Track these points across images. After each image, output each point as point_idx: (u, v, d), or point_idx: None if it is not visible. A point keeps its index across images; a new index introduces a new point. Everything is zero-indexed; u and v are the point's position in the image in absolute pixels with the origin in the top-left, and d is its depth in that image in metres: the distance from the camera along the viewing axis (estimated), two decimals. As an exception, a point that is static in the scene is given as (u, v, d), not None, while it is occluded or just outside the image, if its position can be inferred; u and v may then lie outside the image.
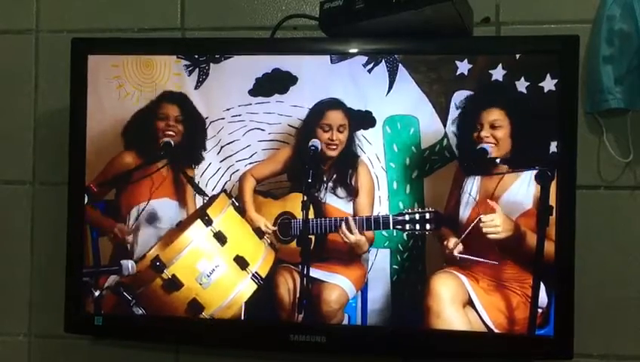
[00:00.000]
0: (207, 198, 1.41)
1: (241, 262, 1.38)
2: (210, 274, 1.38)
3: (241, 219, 1.40)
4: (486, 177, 1.32)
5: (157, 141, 1.41)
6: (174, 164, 1.42)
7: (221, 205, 1.40)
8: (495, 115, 1.31)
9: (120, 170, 1.42)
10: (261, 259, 1.39)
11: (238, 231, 1.40)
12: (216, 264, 1.38)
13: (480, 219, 1.30)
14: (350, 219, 1.35)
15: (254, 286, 1.38)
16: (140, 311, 1.39)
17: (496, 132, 1.30)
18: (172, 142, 1.40)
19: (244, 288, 1.38)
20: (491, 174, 1.32)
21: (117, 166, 1.42)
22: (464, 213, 1.33)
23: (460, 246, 1.31)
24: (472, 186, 1.33)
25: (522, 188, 1.30)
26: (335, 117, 1.36)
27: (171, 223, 1.42)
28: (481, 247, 1.31)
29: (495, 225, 1.29)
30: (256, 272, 1.38)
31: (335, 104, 1.36)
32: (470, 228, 1.30)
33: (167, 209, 1.42)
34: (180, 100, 1.41)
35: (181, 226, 1.41)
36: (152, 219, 1.42)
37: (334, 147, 1.37)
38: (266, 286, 1.38)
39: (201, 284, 1.38)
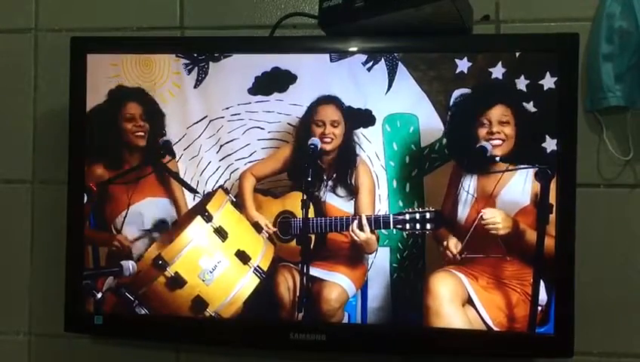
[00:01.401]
0: (198, 195, 1.41)
1: (243, 257, 1.38)
2: (213, 270, 1.38)
3: (239, 214, 1.40)
4: (483, 175, 1.32)
5: (123, 145, 1.41)
6: (165, 163, 1.41)
7: (219, 201, 1.40)
8: (502, 112, 1.30)
9: (99, 179, 1.42)
10: (261, 253, 1.39)
11: (237, 226, 1.40)
12: (219, 260, 1.38)
13: (481, 216, 1.30)
14: (364, 217, 1.34)
15: (257, 280, 1.38)
16: (144, 311, 1.39)
17: (504, 128, 1.30)
18: (172, 141, 1.40)
19: (246, 282, 1.38)
20: (491, 172, 1.32)
21: (95, 175, 1.42)
22: (463, 211, 1.33)
23: (463, 251, 1.31)
24: (470, 184, 1.33)
25: (519, 185, 1.30)
26: (327, 112, 1.36)
27: (166, 221, 1.42)
28: (482, 244, 1.31)
29: (496, 222, 1.29)
30: (257, 266, 1.38)
31: (327, 99, 1.35)
32: (473, 227, 1.30)
33: (158, 209, 1.42)
34: (127, 94, 1.41)
35: (181, 224, 1.41)
36: (147, 218, 1.42)
37: (329, 140, 1.36)
38: (268, 281, 1.39)
39: (204, 281, 1.38)
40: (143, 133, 1.41)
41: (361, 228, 1.34)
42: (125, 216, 1.42)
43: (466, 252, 1.32)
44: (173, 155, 1.41)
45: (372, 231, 1.35)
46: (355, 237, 1.35)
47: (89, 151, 1.42)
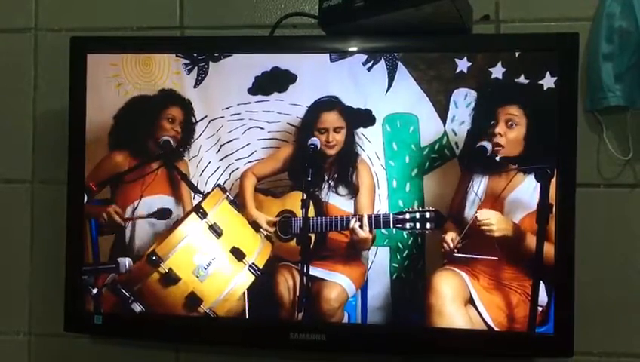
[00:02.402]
0: (201, 195, 1.41)
1: (238, 254, 1.38)
2: (207, 266, 1.38)
3: (236, 212, 1.40)
4: (493, 177, 1.32)
5: (153, 139, 1.41)
6: (170, 162, 1.41)
7: (215, 199, 1.40)
8: (502, 112, 1.30)
9: (114, 169, 1.42)
10: (257, 251, 1.39)
11: (233, 223, 1.40)
12: (213, 256, 1.38)
13: (476, 216, 1.30)
14: (365, 216, 1.34)
15: (252, 278, 1.38)
16: (139, 308, 1.39)
17: (504, 128, 1.30)
18: (171, 141, 1.41)
19: (241, 280, 1.38)
20: (496, 174, 1.31)
21: (111, 164, 1.43)
22: (469, 211, 1.32)
23: (459, 244, 1.31)
24: (479, 185, 1.33)
25: (529, 190, 1.30)
26: (330, 119, 1.36)
27: (169, 221, 1.42)
28: (480, 245, 1.31)
29: (490, 223, 1.29)
30: (253, 263, 1.38)
31: (330, 104, 1.35)
32: (468, 226, 1.30)
33: (164, 207, 1.42)
34: (176, 99, 1.41)
35: (176, 221, 1.41)
36: (150, 217, 1.42)
37: (332, 146, 1.37)
38: (264, 278, 1.38)
39: (198, 277, 1.38)
40: (174, 137, 1.41)
41: (362, 226, 1.34)
42: (135, 209, 1.42)
43: (462, 246, 1.31)
44: (176, 156, 1.41)
45: (370, 231, 1.35)
46: (355, 236, 1.35)
47: (117, 138, 1.43)
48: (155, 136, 1.42)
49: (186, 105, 1.41)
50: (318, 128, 1.36)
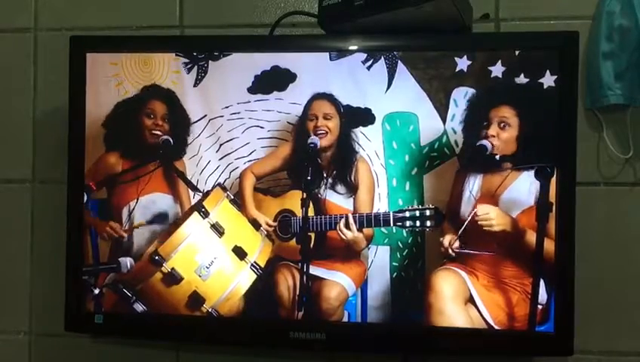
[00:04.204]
0: (200, 194, 1.41)
1: (240, 253, 1.38)
2: (210, 265, 1.38)
3: (237, 211, 1.40)
4: (488, 175, 1.32)
5: (140, 138, 1.41)
6: (168, 161, 1.41)
7: (217, 198, 1.40)
8: (502, 111, 1.30)
9: (109, 169, 1.43)
10: (259, 250, 1.39)
11: (235, 222, 1.40)
12: (215, 255, 1.39)
13: (475, 212, 1.30)
14: (350, 216, 1.35)
15: (254, 276, 1.39)
16: (141, 308, 1.39)
17: (504, 127, 1.30)
18: (171, 140, 1.41)
19: (243, 278, 1.39)
20: (492, 172, 1.32)
21: (107, 164, 1.43)
22: (465, 210, 1.33)
23: (457, 242, 1.31)
24: (474, 184, 1.33)
25: (524, 186, 1.30)
26: (319, 106, 1.36)
27: (168, 219, 1.42)
28: (478, 242, 1.31)
29: (489, 218, 1.29)
30: (255, 262, 1.38)
31: (320, 95, 1.36)
32: (467, 222, 1.30)
33: (162, 205, 1.42)
34: (168, 97, 1.41)
35: (178, 220, 1.41)
36: (149, 215, 1.42)
37: (322, 133, 1.36)
38: (266, 277, 1.39)
39: (200, 276, 1.38)
40: (160, 133, 1.41)
41: (347, 226, 1.34)
42: (132, 209, 1.42)
43: (460, 245, 1.31)
44: (176, 154, 1.41)
45: (360, 230, 1.35)
46: (343, 236, 1.35)
47: (108, 140, 1.43)
48: (140, 134, 1.41)
49: (170, 97, 1.40)
50: (309, 116, 1.36)
